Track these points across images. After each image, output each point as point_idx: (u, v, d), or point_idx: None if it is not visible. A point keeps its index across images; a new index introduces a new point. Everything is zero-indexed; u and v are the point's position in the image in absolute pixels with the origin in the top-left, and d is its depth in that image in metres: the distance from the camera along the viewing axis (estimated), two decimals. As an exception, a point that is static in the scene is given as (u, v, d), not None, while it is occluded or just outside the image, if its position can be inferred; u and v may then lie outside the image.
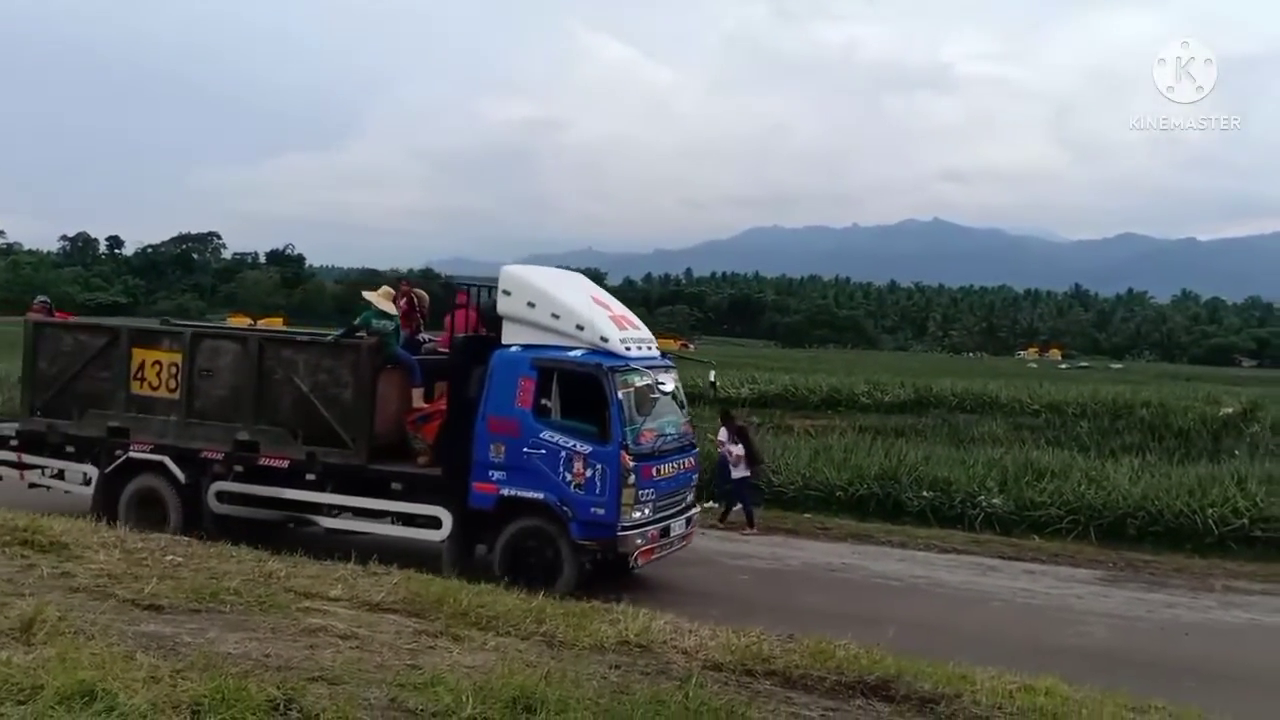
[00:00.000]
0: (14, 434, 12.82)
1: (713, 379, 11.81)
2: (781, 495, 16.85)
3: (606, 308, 11.56)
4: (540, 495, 10.41)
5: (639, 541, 10.45)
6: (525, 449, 10.51)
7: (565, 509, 10.32)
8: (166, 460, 11.70)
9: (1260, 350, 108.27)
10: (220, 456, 11.59)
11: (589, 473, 10.32)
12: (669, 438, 11.29)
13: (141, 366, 12.07)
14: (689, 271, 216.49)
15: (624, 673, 6.26)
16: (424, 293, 13.02)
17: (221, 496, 11.55)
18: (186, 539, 9.67)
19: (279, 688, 4.95)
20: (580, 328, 10.85)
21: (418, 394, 11.53)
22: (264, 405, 11.53)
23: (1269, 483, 15.76)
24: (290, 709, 4.77)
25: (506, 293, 10.99)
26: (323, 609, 7.25)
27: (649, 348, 11.44)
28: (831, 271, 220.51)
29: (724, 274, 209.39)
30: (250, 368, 11.57)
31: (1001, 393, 32.70)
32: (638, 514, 10.44)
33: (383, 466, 11.14)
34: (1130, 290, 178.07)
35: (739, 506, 14.85)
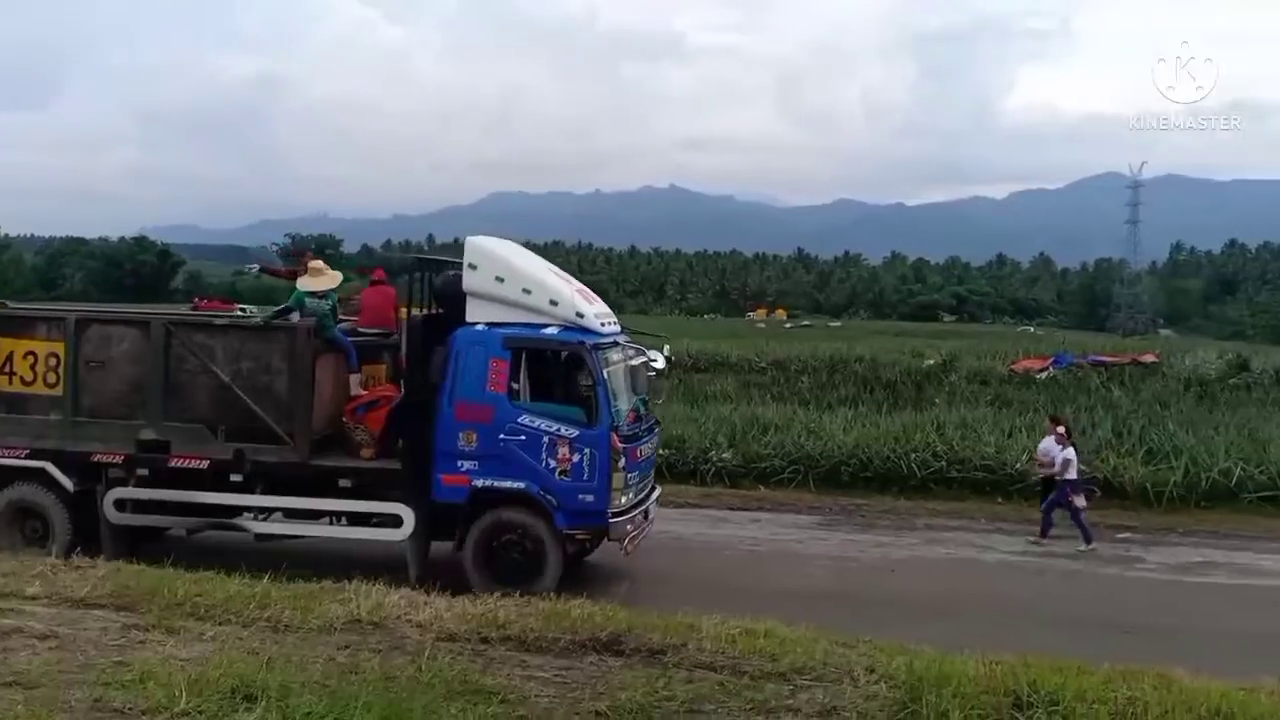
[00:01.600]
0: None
1: (665, 354, 10.51)
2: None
3: (569, 281, 10.82)
4: (521, 485, 9.64)
5: (629, 528, 9.85)
6: (501, 436, 9.69)
7: (549, 498, 9.61)
8: (48, 466, 10.17)
9: (959, 306, 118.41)
10: (120, 460, 10.14)
11: (575, 458, 9.63)
12: (643, 417, 10.76)
13: (10, 359, 10.42)
14: (430, 238, 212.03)
15: (353, 652, 6.18)
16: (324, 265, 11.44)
17: (122, 505, 10.15)
18: None
19: (-39, 699, 4.54)
20: (554, 303, 10.07)
21: (355, 380, 10.53)
22: (174, 399, 10.14)
23: (964, 428, 17.39)
24: (-25, 721, 4.39)
25: (473, 266, 10.04)
26: (18, 608, 6.72)
27: (614, 323, 10.79)
28: (574, 237, 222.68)
29: (466, 239, 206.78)
30: (154, 357, 10.10)
31: (732, 353, 34.19)
32: (624, 499, 9.84)
33: (326, 462, 10.03)
34: (847, 253, 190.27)
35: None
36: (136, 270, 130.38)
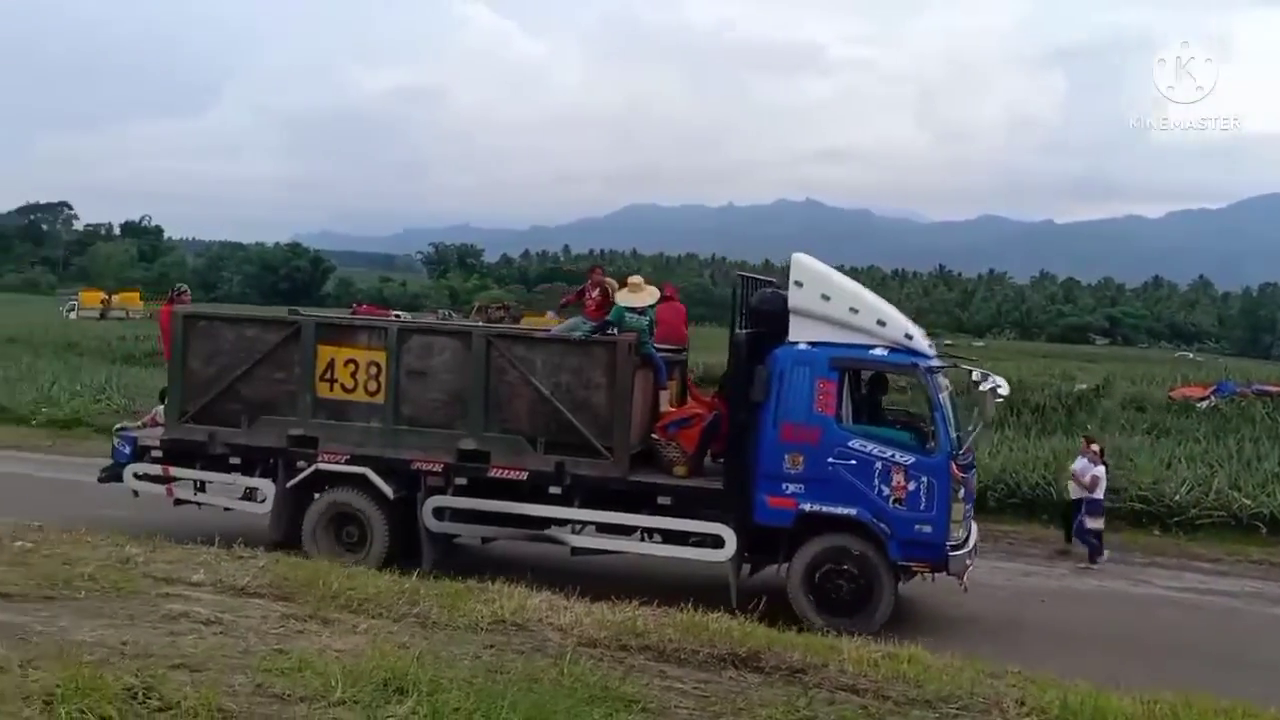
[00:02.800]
0: (158, 444, 11.35)
1: (995, 387, 10.13)
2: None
3: (881, 300, 10.56)
4: (852, 511, 9.40)
5: (968, 562, 9.59)
6: (830, 459, 9.45)
7: (882, 526, 9.33)
8: (368, 473, 10.39)
9: (1112, 328, 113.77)
10: (439, 468, 10.29)
11: (911, 486, 9.30)
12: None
13: (331, 366, 10.64)
14: (566, 248, 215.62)
15: (498, 652, 6.27)
16: (615, 282, 11.36)
17: (440, 513, 10.35)
18: (38, 524, 9.15)
19: (137, 675, 4.78)
20: (882, 323, 9.82)
21: (665, 396, 10.61)
22: (493, 410, 10.26)
23: (1118, 455, 16.66)
24: (150, 697, 4.61)
25: (798, 284, 9.84)
26: (184, 594, 7.04)
27: (932, 345, 10.52)
28: (708, 250, 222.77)
29: (601, 251, 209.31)
30: (475, 368, 10.22)
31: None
32: (962, 532, 9.57)
33: (644, 478, 9.99)
34: (992, 271, 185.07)
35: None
36: (290, 275, 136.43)
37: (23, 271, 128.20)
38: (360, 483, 10.45)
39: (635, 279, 10.78)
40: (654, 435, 10.25)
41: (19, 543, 8.18)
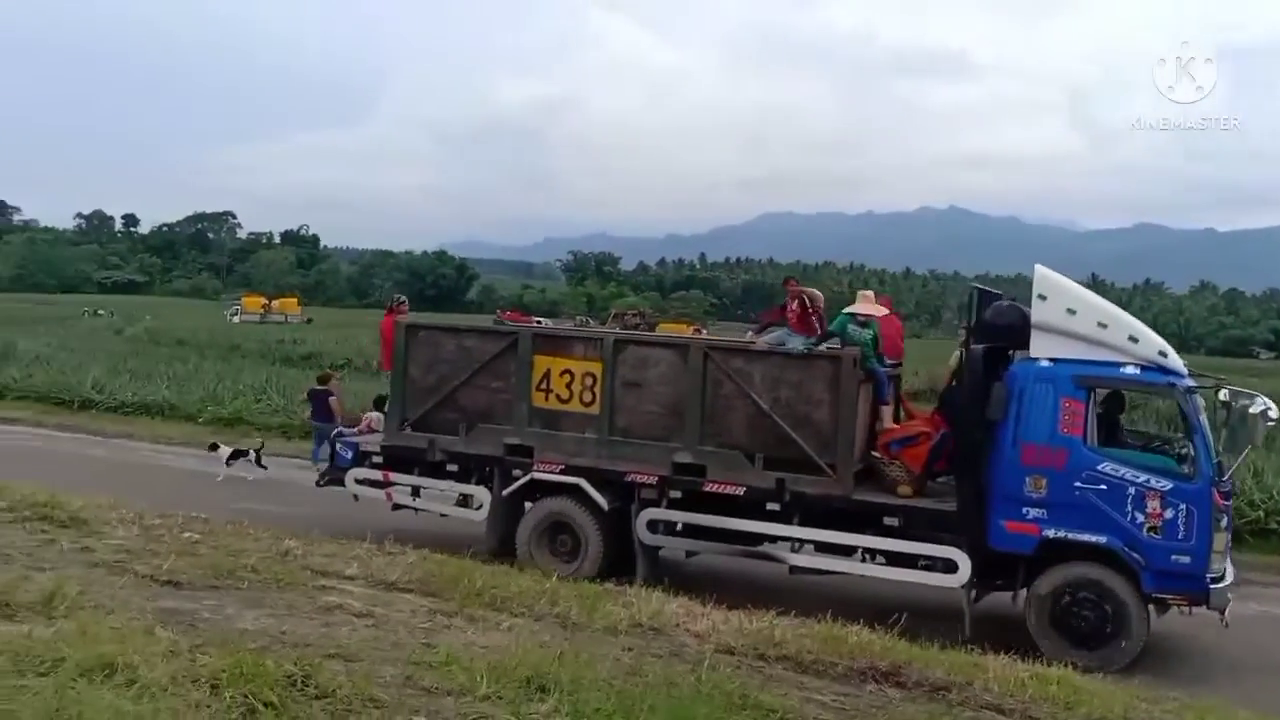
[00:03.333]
0: (378, 449, 11.75)
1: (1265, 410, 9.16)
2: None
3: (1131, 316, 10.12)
4: (1102, 539, 8.96)
5: (1229, 595, 9.05)
6: (1077, 483, 9.03)
7: (1135, 556, 8.89)
8: (582, 483, 10.46)
9: (1278, 341, 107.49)
10: (654, 481, 10.27)
11: (1169, 513, 8.80)
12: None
13: (547, 376, 10.76)
14: (703, 257, 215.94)
15: (637, 655, 6.30)
16: (816, 292, 11.10)
17: (654, 526, 10.32)
18: (204, 516, 9.69)
19: (296, 664, 4.98)
20: (1134, 340, 9.36)
21: (886, 412, 10.38)
22: (710, 424, 10.17)
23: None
24: (307, 684, 4.80)
25: (1042, 297, 9.52)
26: (339, 587, 7.29)
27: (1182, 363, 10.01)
28: (846, 258, 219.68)
29: (738, 259, 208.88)
30: (691, 380, 10.16)
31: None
32: (1223, 562, 9.10)
33: (870, 497, 9.77)
34: (1148, 280, 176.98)
35: None
36: (437, 282, 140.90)
37: (190, 277, 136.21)
38: (574, 493, 10.51)
39: (866, 292, 10.70)
40: (875, 453, 9.99)
41: (187, 534, 8.65)
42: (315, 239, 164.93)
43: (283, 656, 5.14)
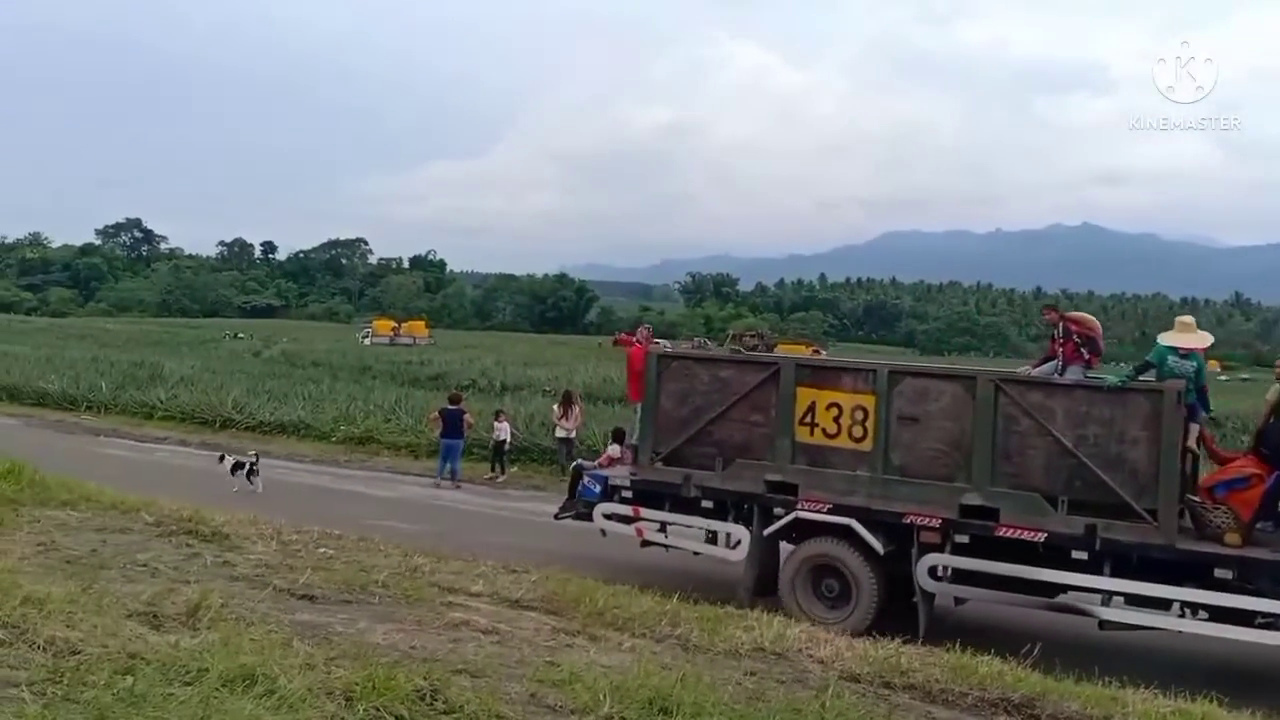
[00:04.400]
0: (628, 484, 11.34)
1: None
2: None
3: None
4: None
5: None
6: None
7: None
8: (854, 524, 9.73)
9: None
10: (936, 524, 9.50)
11: None
12: None
13: (812, 409, 10.18)
14: (823, 277, 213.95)
15: (759, 679, 6.24)
16: (1086, 317, 10.51)
17: (935, 572, 9.55)
18: (337, 532, 10.01)
19: (425, 678, 5.09)
20: None
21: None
22: (1003, 463, 9.42)
23: None
24: (436, 699, 4.91)
25: None
26: (465, 604, 7.44)
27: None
28: (973, 277, 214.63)
29: (859, 279, 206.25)
30: (980, 415, 9.45)
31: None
32: None
33: (1198, 547, 8.91)
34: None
35: None
36: (557, 304, 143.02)
37: (324, 301, 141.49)
38: (843, 534, 9.86)
39: (1185, 319, 9.99)
40: (1193, 497, 9.22)
41: (322, 549, 8.97)
42: (442, 263, 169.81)
43: (413, 671, 5.26)
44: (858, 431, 9.96)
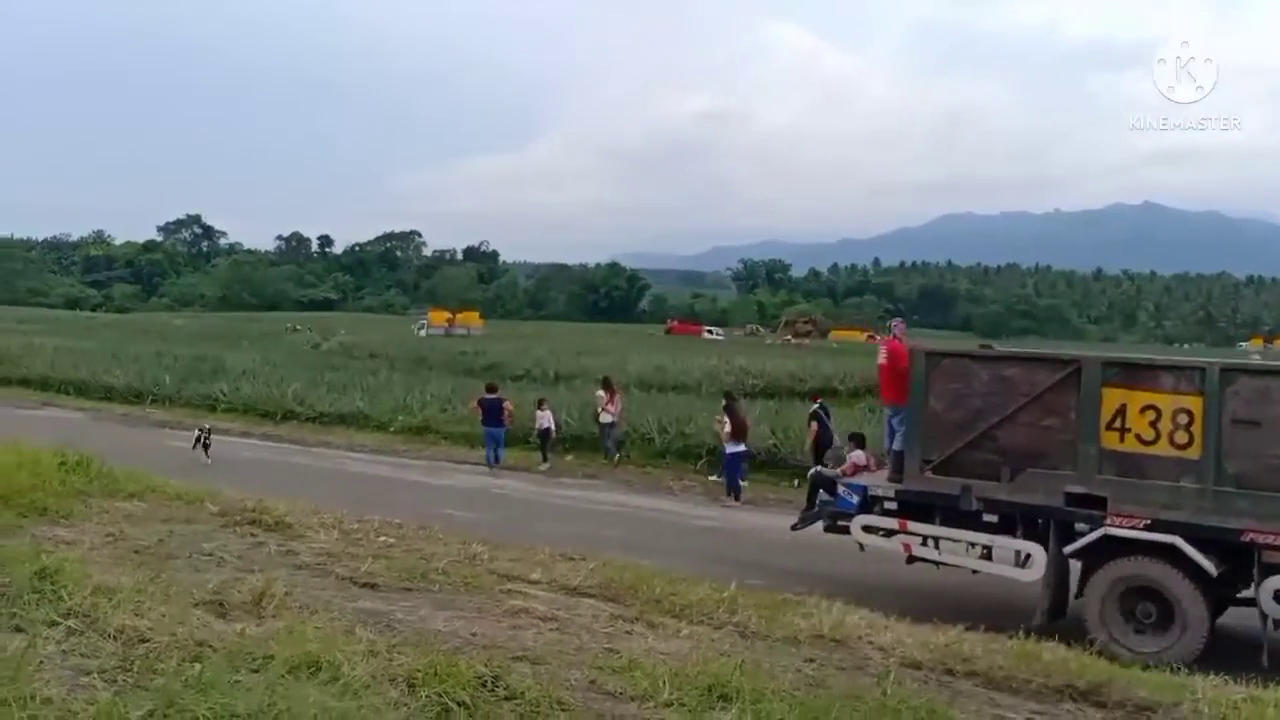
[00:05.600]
0: (891, 494, 10.43)
1: None
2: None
3: None
4: None
5: None
6: None
7: None
8: (1178, 542, 8.71)
9: None
10: None
11: None
12: None
13: (1122, 413, 9.18)
14: (876, 261, 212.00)
15: (819, 666, 6.20)
16: None
17: None
18: (397, 521, 10.12)
19: (486, 665, 5.13)
20: None
21: None
22: None
23: None
24: (497, 686, 4.94)
25: None
26: (524, 591, 7.48)
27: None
28: (1031, 259, 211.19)
29: (914, 263, 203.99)
30: None
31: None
32: None
33: None
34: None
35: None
36: (609, 293, 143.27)
37: (380, 294, 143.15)
38: (1165, 553, 8.85)
39: None
40: None
41: (382, 538, 9.07)
42: (495, 254, 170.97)
43: (474, 658, 5.31)
44: (1181, 438, 8.92)
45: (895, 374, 11.00)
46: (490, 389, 19.94)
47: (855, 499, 10.74)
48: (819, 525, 11.44)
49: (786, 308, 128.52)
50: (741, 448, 16.91)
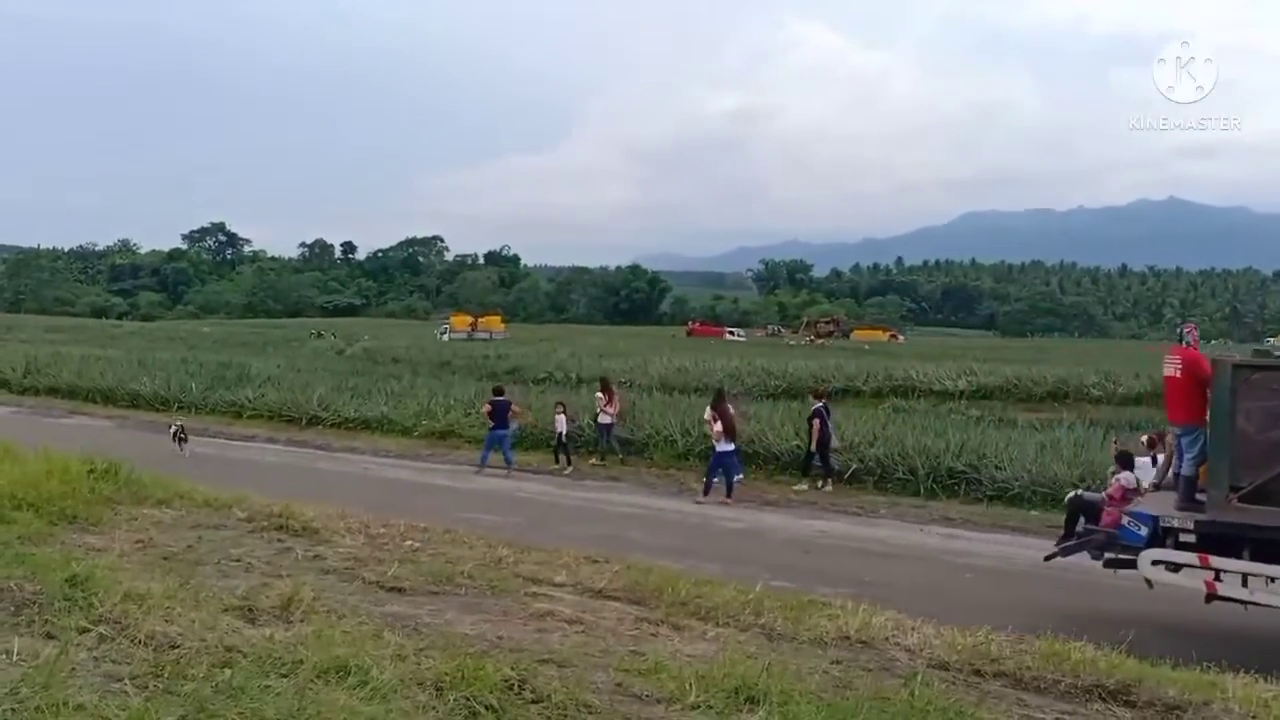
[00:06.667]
0: (1189, 526, 9.24)
1: None
2: (1005, 491, 16.35)
3: None
4: None
5: None
6: None
7: None
8: None
9: None
10: None
11: None
12: None
13: None
14: (899, 260, 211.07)
15: (845, 668, 6.17)
16: None
17: None
18: (423, 525, 10.15)
19: (513, 668, 5.15)
20: None
21: None
22: None
23: None
24: (524, 689, 4.95)
25: None
26: (549, 594, 7.49)
27: None
28: (1055, 256, 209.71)
29: (937, 261, 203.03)
30: None
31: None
32: None
33: None
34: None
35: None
36: (630, 296, 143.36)
37: (403, 299, 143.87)
38: None
39: None
40: None
41: (409, 542, 9.10)
42: (516, 258, 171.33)
43: (500, 661, 5.32)
44: None
45: (1193, 388, 9.84)
46: (498, 391, 20.04)
47: (1144, 530, 9.60)
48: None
49: (808, 308, 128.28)
50: (731, 447, 16.86)
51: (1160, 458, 12.40)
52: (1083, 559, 10.42)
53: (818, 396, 19.17)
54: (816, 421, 17.66)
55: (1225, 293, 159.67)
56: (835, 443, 17.92)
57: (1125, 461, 11.21)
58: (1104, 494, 10.87)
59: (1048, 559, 10.67)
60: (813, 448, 17.77)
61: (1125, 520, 9.86)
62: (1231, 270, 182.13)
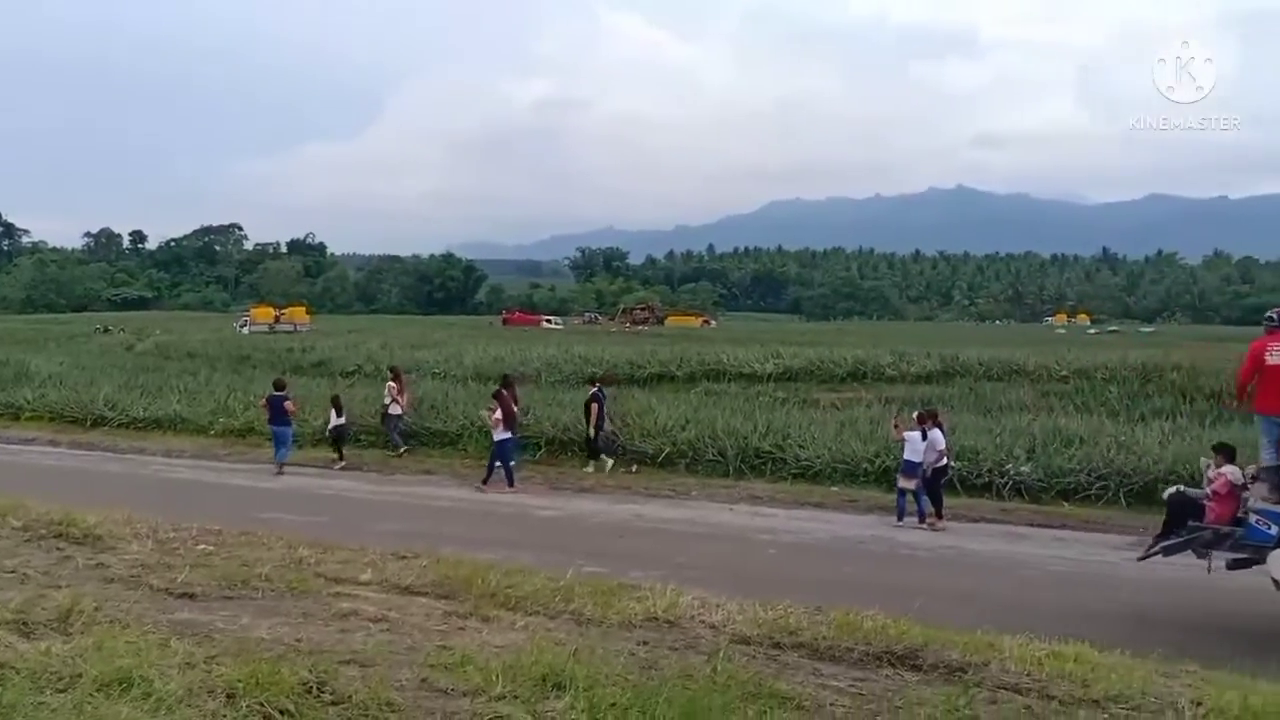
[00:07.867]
0: None
1: None
2: (808, 469, 17.01)
3: None
4: None
5: None
6: None
7: None
8: None
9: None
10: None
11: None
12: None
13: None
14: (711, 248, 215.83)
15: (652, 649, 6.28)
16: None
17: None
18: (217, 528, 9.70)
19: (311, 670, 4.99)
20: None
21: None
22: None
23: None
24: (323, 691, 4.82)
25: None
26: (353, 593, 7.30)
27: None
28: (854, 243, 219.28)
29: (746, 249, 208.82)
30: None
31: (1029, 360, 32.31)
32: None
33: None
34: (1160, 252, 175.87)
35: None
36: (444, 285, 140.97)
37: (198, 290, 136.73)
38: None
39: None
40: None
41: (201, 546, 8.68)
42: (322, 247, 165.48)
43: (298, 664, 5.15)
44: None
45: (1259, 376, 9.79)
46: (278, 386, 19.39)
47: (1274, 529, 9.27)
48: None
49: (624, 295, 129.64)
50: (509, 435, 17.04)
51: (933, 433, 13.31)
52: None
53: (592, 383, 19.64)
54: (594, 406, 18.29)
55: (1008, 275, 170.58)
56: (607, 425, 18.47)
57: (1229, 454, 10.45)
58: (1206, 490, 10.34)
59: (1142, 558, 10.28)
60: (590, 432, 18.33)
61: (1254, 519, 9.51)
62: (1014, 254, 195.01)
